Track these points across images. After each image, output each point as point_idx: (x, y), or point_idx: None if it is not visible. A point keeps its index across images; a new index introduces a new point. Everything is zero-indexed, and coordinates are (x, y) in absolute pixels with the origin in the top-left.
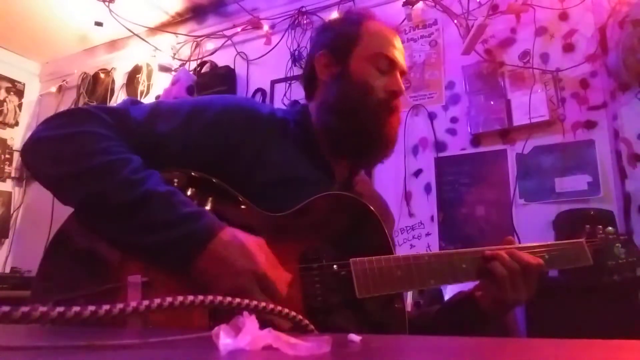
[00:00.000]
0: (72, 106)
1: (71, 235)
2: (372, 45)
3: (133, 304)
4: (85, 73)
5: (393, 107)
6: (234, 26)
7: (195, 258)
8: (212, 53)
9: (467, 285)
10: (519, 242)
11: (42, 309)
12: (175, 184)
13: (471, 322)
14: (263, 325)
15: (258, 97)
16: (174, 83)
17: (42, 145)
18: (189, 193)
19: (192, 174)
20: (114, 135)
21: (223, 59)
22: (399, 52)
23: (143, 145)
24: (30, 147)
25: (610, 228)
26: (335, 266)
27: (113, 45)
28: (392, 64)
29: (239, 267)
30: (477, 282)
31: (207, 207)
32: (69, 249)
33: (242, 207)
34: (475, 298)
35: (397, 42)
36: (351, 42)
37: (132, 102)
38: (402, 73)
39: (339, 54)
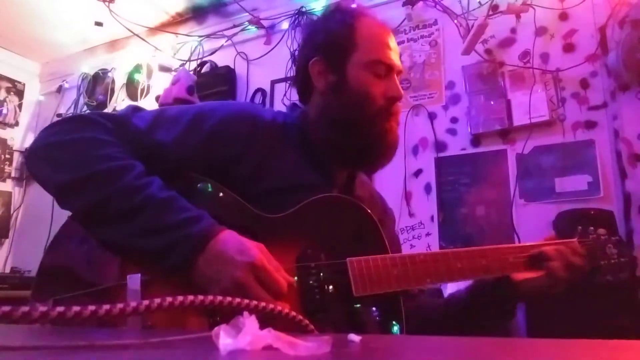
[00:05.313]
0: (72, 106)
1: (73, 234)
2: (369, 51)
3: (133, 304)
4: (85, 73)
5: (393, 112)
6: (234, 26)
7: (196, 260)
8: (212, 53)
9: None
10: (519, 242)
11: (42, 308)
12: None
13: (504, 303)
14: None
15: (258, 97)
16: (174, 83)
17: (45, 152)
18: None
19: (190, 175)
20: (115, 141)
21: (223, 59)
22: (394, 53)
23: (143, 152)
24: (33, 154)
25: (601, 229)
26: (332, 265)
27: (113, 45)
28: (390, 68)
29: (235, 262)
30: (471, 281)
31: (206, 210)
32: (71, 247)
33: (240, 209)
34: (515, 281)
35: (392, 42)
36: (347, 49)
37: (134, 109)
38: (399, 72)
39: (335, 62)
